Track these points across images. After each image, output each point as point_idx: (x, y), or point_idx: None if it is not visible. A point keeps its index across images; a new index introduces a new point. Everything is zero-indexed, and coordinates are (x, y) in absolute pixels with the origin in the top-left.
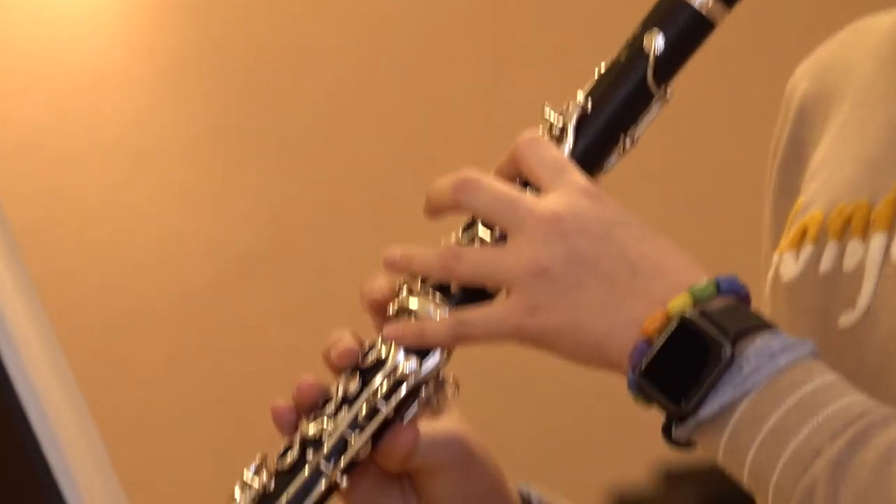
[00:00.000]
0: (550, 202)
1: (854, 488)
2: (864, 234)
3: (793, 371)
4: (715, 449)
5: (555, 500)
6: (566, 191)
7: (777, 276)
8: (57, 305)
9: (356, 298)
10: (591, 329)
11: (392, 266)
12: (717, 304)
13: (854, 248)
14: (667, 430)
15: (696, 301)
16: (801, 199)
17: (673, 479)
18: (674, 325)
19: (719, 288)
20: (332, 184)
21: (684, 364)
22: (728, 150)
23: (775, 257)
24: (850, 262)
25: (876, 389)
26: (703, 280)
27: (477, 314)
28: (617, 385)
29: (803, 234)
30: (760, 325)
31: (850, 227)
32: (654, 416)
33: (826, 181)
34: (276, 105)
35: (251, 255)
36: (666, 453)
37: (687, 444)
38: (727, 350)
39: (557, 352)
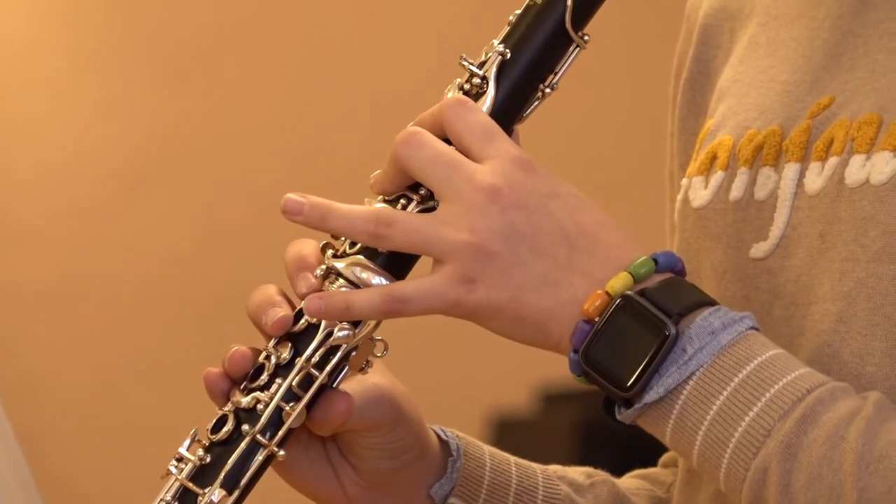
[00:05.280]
0: (487, 173)
1: (807, 469)
2: (777, 163)
3: (735, 348)
4: (662, 432)
5: (468, 440)
6: (501, 160)
7: (686, 200)
8: None
9: (244, 213)
10: (532, 306)
11: (296, 215)
12: (656, 281)
13: (766, 177)
14: (609, 408)
15: (636, 279)
16: (710, 122)
17: (552, 402)
18: (614, 305)
19: (657, 264)
20: (218, 97)
21: (626, 345)
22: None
23: (684, 181)
24: (761, 192)
25: (791, 321)
26: (640, 256)
27: (412, 289)
28: None
29: (713, 160)
30: (701, 302)
31: (762, 154)
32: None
33: (735, 104)
34: (160, 18)
35: (137, 171)
36: (545, 376)
37: (630, 426)
38: (670, 329)
39: (492, 327)
